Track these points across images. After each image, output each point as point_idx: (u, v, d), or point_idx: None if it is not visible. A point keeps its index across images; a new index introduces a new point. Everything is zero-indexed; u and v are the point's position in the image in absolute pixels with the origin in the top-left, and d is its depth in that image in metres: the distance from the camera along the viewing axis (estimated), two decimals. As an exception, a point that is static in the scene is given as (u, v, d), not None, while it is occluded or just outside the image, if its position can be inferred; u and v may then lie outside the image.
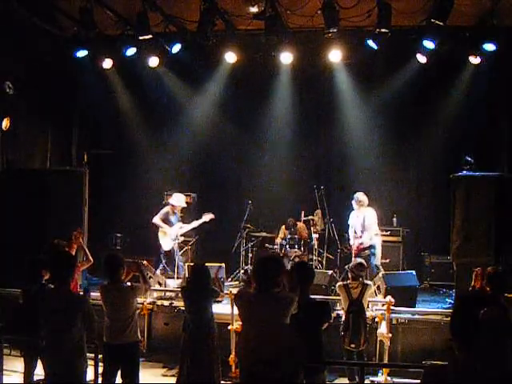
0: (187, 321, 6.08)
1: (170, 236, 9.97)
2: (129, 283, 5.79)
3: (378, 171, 11.39)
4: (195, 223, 10.21)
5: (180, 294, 6.84)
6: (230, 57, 10.16)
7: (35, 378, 5.96)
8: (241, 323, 4.68)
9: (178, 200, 10.24)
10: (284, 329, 4.33)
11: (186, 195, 11.23)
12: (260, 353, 4.27)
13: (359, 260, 7.30)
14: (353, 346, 6.62)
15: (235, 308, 4.64)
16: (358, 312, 6.72)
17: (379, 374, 7.08)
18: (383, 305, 7.50)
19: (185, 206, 10.48)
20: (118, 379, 5.60)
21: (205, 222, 10.21)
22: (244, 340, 4.46)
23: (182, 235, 10.18)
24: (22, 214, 9.16)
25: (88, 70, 10.71)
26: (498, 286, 5.62)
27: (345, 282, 6.95)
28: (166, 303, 8.44)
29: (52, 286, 4.97)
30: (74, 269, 5.08)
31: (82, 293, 6.56)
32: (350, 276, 6.94)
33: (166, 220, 10.04)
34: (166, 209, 10.19)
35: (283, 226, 10.84)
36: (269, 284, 4.40)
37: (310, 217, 10.80)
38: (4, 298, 8.26)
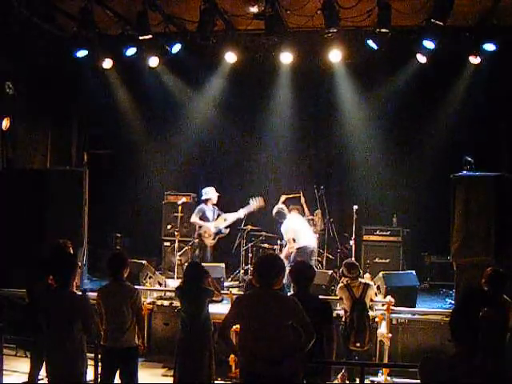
0: (183, 320, 6.09)
1: (211, 231, 9.87)
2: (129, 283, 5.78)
3: (377, 171, 11.40)
4: (241, 212, 10.02)
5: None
6: (230, 57, 10.15)
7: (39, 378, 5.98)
8: (239, 325, 4.67)
9: (207, 193, 10.15)
10: (284, 328, 4.33)
11: (186, 195, 11.24)
12: (260, 352, 4.26)
13: (350, 260, 7.34)
14: (358, 345, 6.62)
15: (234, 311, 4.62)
16: (362, 311, 6.72)
17: (379, 374, 7.10)
18: (383, 305, 7.51)
19: (215, 197, 10.15)
20: (118, 379, 5.61)
21: (252, 211, 9.87)
22: (244, 340, 4.46)
23: (227, 227, 10.02)
24: (21, 213, 9.16)
25: (88, 70, 10.70)
26: (497, 286, 5.62)
27: (345, 283, 6.94)
28: (166, 303, 8.46)
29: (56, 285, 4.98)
30: (76, 270, 5.07)
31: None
32: (348, 276, 6.93)
33: (202, 217, 9.98)
34: (201, 206, 10.15)
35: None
36: (270, 283, 4.41)
37: (309, 216, 10.78)
38: (4, 298, 8.26)
